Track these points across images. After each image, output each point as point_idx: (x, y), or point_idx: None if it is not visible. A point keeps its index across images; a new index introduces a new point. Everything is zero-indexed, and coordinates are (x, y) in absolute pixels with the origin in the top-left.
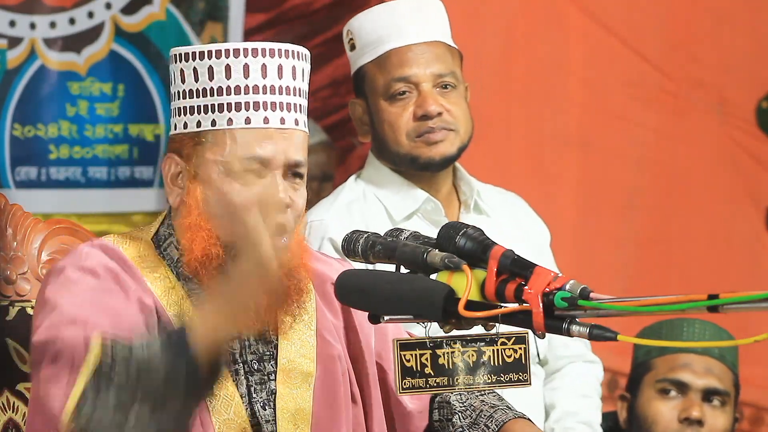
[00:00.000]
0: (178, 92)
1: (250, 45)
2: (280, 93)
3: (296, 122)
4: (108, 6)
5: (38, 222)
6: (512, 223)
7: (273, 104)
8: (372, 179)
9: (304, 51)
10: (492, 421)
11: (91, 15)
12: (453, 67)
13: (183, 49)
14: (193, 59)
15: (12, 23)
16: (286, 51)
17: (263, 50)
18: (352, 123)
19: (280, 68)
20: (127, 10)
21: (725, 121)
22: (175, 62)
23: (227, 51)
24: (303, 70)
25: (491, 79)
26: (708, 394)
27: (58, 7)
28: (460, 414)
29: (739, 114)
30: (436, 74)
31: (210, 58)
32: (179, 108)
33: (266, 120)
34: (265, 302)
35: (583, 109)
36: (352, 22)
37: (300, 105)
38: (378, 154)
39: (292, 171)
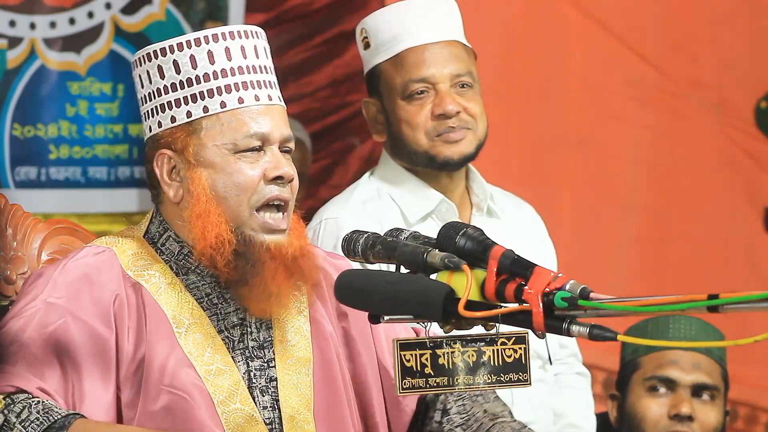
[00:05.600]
0: (159, 89)
1: (227, 29)
2: (261, 72)
3: (279, 99)
4: (108, 6)
5: (38, 222)
6: (522, 230)
7: (259, 83)
8: (386, 178)
9: (261, 30)
10: None
11: (91, 15)
12: (470, 66)
13: (158, 46)
14: (171, 52)
15: (12, 23)
16: (254, 32)
17: (238, 32)
18: (351, 123)
19: (255, 49)
20: (127, 10)
21: (724, 121)
22: (150, 60)
23: (206, 38)
24: (265, 48)
25: (490, 79)
26: (697, 390)
27: (58, 7)
28: (461, 427)
29: (737, 114)
30: (454, 74)
31: (190, 47)
32: (162, 105)
33: (257, 98)
34: (284, 283)
35: (582, 109)
36: (366, 20)
37: (275, 83)
38: (393, 153)
39: (283, 147)
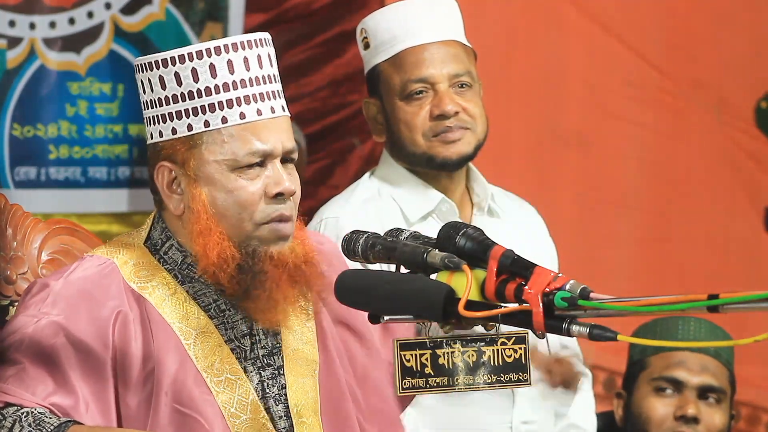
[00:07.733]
0: (160, 99)
1: (230, 41)
2: (265, 83)
3: (283, 108)
4: (108, 6)
5: (38, 222)
6: (523, 230)
7: (262, 95)
8: (387, 178)
9: (267, 36)
10: None
11: (90, 15)
12: (469, 66)
13: (160, 56)
14: (173, 64)
15: (12, 23)
16: (259, 40)
17: (242, 43)
18: (351, 123)
19: (259, 59)
20: (127, 10)
21: (724, 121)
22: (152, 69)
23: (208, 51)
24: (270, 55)
25: (491, 79)
26: (703, 392)
27: (58, 7)
28: None
29: (737, 114)
30: (453, 74)
31: (191, 60)
32: (163, 115)
33: (259, 112)
34: (289, 291)
35: (582, 109)
36: (366, 20)
37: (279, 91)
38: (393, 153)
39: (286, 158)
